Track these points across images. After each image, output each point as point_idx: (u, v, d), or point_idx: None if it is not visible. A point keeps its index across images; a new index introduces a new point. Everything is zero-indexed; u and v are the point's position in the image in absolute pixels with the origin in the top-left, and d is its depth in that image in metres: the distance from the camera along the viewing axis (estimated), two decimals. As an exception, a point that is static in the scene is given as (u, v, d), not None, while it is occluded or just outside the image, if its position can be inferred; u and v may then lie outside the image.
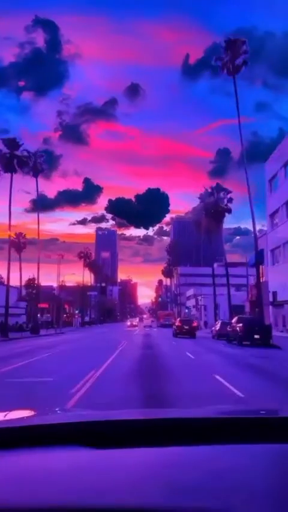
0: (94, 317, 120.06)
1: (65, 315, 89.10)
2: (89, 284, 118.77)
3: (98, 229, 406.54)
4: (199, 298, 79.61)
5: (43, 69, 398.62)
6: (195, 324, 40.81)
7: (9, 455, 1.13)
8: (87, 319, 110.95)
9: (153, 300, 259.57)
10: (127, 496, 0.97)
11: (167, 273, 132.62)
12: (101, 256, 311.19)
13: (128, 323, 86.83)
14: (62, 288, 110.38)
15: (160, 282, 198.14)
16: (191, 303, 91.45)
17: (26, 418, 1.60)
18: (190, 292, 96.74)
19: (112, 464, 1.14)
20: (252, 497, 0.97)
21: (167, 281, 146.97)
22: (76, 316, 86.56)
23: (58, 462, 1.13)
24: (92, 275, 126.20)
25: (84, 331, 59.71)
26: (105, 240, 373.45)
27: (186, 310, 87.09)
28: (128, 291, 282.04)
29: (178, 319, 46.36)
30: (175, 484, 1.03)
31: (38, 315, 66.06)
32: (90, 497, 0.95)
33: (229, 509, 0.91)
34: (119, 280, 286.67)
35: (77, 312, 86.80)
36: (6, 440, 1.20)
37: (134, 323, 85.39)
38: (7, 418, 1.57)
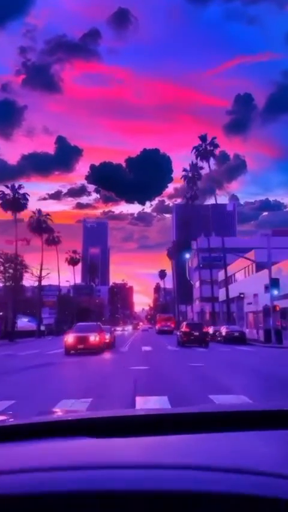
0: (53, 323, 69.99)
1: None
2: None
3: (85, 217, 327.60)
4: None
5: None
6: (206, 330, 33.60)
7: (25, 445, 1.33)
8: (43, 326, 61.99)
9: (151, 306, 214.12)
10: (130, 459, 1.15)
11: (179, 250, 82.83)
12: (89, 253, 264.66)
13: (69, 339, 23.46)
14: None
15: (162, 273, 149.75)
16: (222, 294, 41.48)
17: (41, 417, 1.88)
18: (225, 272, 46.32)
19: (114, 448, 1.30)
20: (248, 460, 1.13)
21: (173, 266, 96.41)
22: None
23: (65, 447, 1.32)
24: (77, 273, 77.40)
25: None
26: (94, 233, 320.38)
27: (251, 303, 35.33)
28: (122, 295, 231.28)
29: (184, 323, 36.06)
30: (175, 457, 1.19)
31: None
32: (93, 462, 1.12)
33: (228, 466, 1.03)
34: (111, 283, 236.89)
35: None
36: (23, 433, 1.40)
37: (93, 338, 23.17)
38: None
